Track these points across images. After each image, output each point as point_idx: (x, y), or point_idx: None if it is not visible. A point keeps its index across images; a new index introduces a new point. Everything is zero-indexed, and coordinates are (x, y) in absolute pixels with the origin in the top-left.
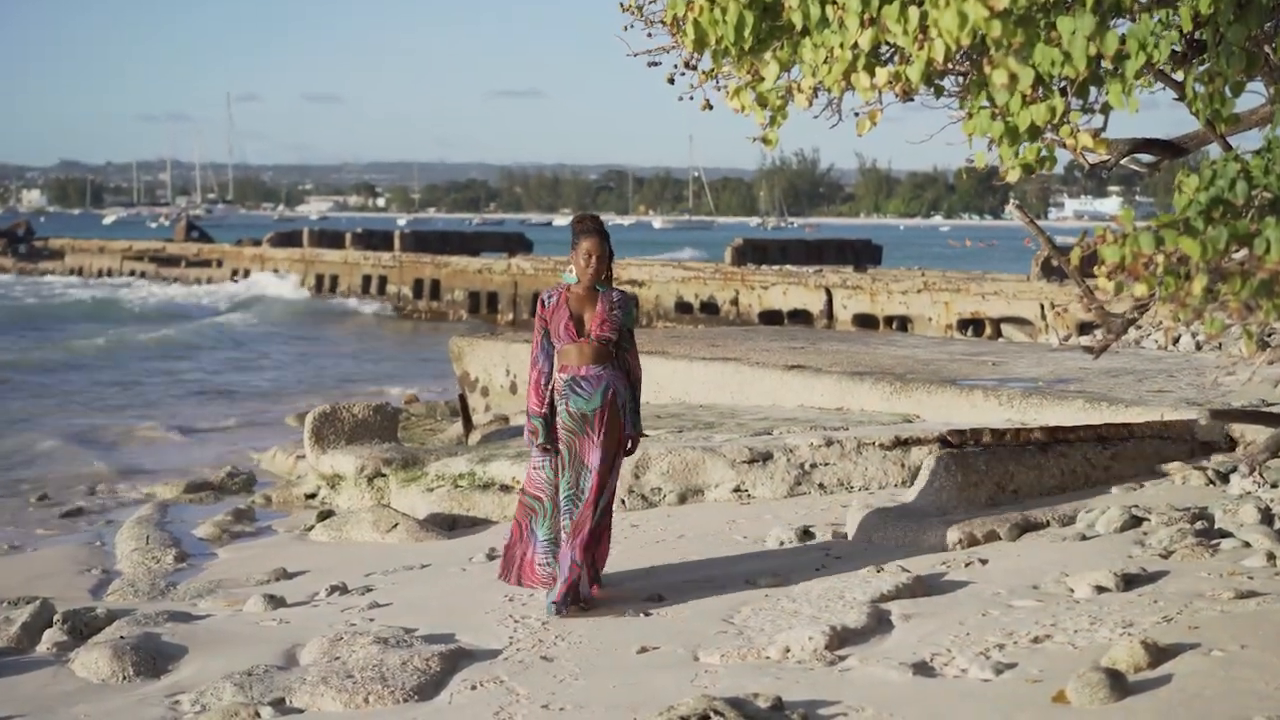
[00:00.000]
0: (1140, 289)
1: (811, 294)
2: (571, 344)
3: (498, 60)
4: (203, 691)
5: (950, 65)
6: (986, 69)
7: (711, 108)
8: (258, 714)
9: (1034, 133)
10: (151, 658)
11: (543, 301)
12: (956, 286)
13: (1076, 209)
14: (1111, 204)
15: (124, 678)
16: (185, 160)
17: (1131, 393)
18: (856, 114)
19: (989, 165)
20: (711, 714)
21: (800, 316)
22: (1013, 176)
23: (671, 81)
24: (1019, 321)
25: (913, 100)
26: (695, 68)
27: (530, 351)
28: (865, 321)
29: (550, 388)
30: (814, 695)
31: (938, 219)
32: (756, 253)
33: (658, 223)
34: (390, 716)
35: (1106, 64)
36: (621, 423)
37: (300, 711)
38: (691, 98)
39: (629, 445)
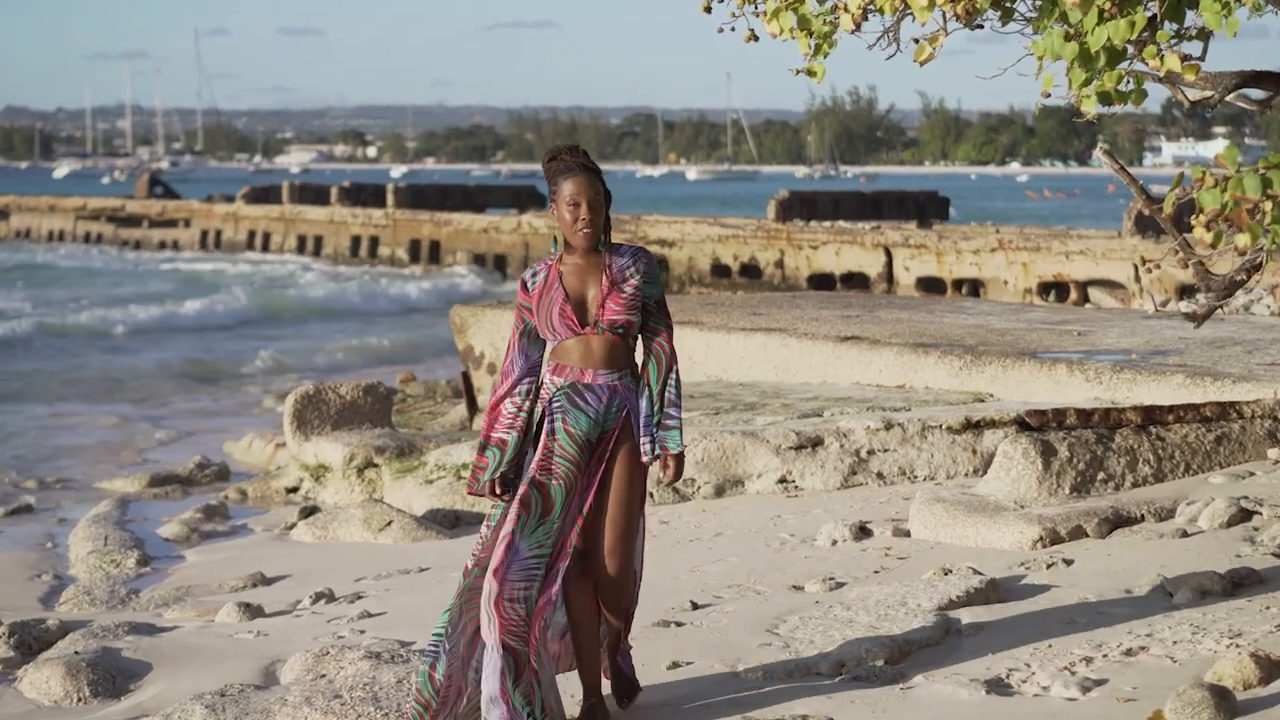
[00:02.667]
0: (1243, 239)
1: (868, 254)
2: (572, 338)
3: None
4: (169, 714)
5: None
6: None
7: (756, 39)
8: None
9: (1112, 55)
10: (110, 676)
11: (524, 283)
12: (1036, 245)
13: (1176, 154)
14: (1216, 147)
15: (79, 699)
16: (147, 105)
17: (1240, 366)
18: (916, 41)
19: (1065, 99)
20: None
21: (855, 280)
22: (1088, 108)
23: (708, 10)
24: (1109, 285)
25: (980, 26)
26: None
27: (505, 355)
28: (931, 286)
29: (525, 402)
30: (871, 717)
31: (1015, 166)
32: (804, 207)
33: (692, 173)
34: None
35: None
36: (636, 455)
37: None
38: (732, 29)
39: (671, 470)
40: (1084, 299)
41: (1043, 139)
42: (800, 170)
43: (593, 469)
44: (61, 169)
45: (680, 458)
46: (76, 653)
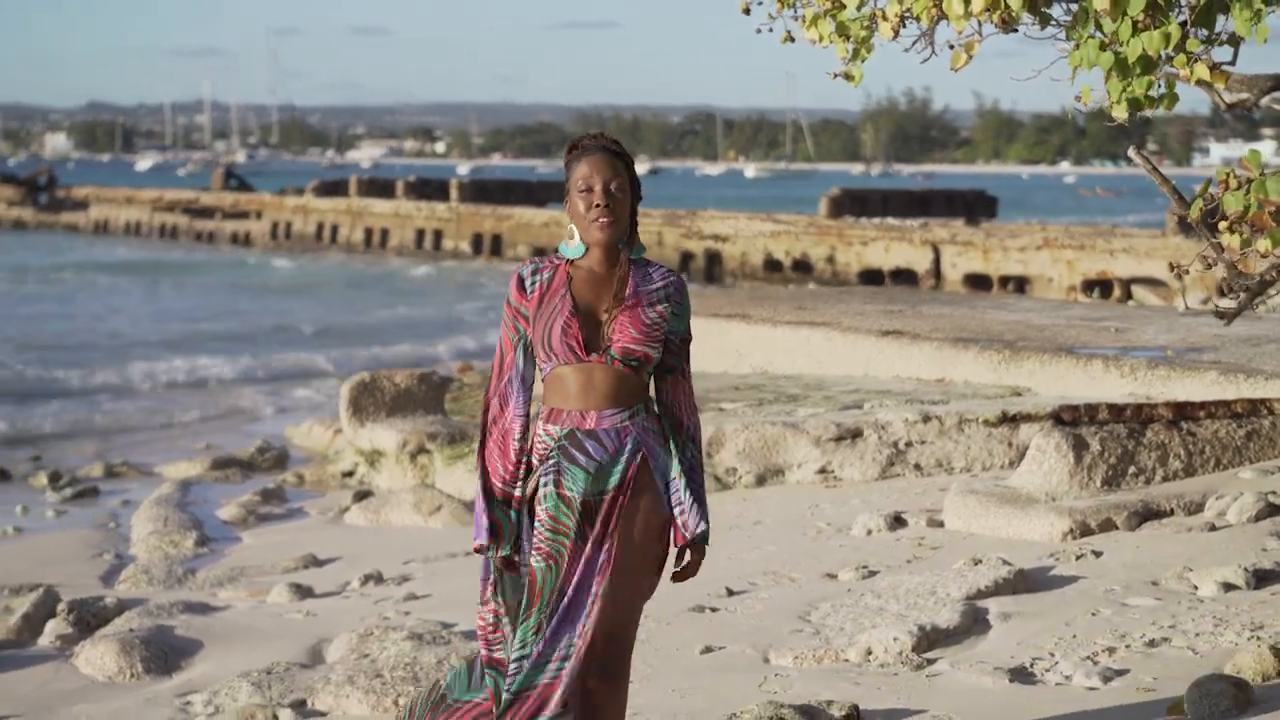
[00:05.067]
0: (1265, 244)
1: (917, 251)
2: (572, 365)
3: None
4: (216, 691)
5: None
6: None
7: (793, 40)
8: (275, 716)
9: (1146, 64)
10: (163, 653)
11: (521, 281)
12: (1080, 243)
13: (1225, 155)
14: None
15: (131, 675)
16: (223, 101)
17: (1273, 364)
18: (952, 46)
19: (1097, 104)
20: None
21: (904, 276)
22: (1119, 113)
23: (747, 11)
24: (1151, 282)
25: (1015, 31)
26: None
27: (490, 377)
28: (977, 282)
29: (525, 445)
30: (896, 703)
31: (1065, 165)
32: (855, 204)
33: (750, 171)
34: None
35: None
36: (660, 515)
37: (323, 715)
38: (770, 29)
39: (685, 560)
40: (1127, 296)
41: (1093, 139)
42: (857, 168)
43: (600, 537)
44: (144, 162)
45: (701, 546)
46: (131, 630)
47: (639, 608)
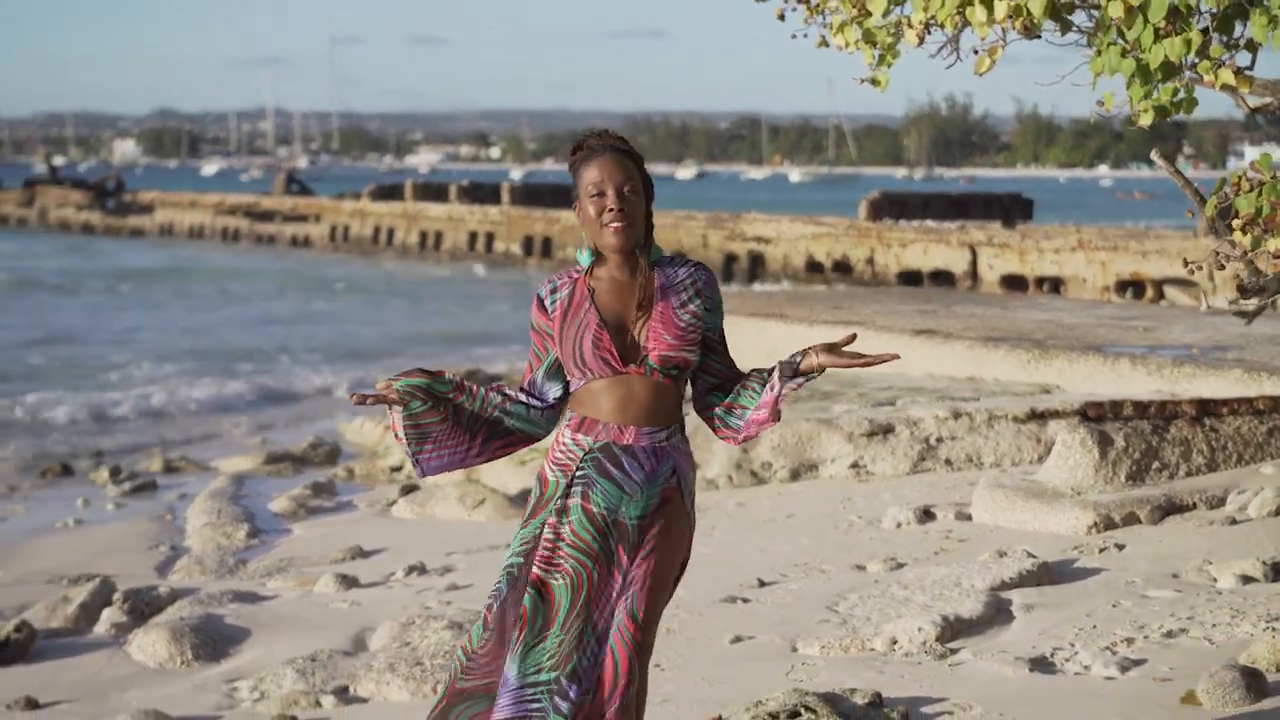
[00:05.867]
0: (1275, 243)
1: (954, 252)
2: (608, 379)
3: None
4: (262, 677)
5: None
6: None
7: (828, 45)
8: (318, 703)
9: (1168, 70)
10: (212, 640)
11: (540, 301)
12: (1114, 244)
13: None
14: None
15: (182, 661)
16: (285, 108)
17: None
18: (976, 52)
19: (1119, 109)
20: (803, 710)
21: (942, 277)
22: (1145, 120)
23: (781, 18)
24: (1183, 283)
25: (1038, 37)
26: (806, 2)
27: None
28: (1014, 283)
29: (509, 404)
30: (918, 691)
31: (1103, 169)
32: (894, 206)
33: (795, 175)
34: None
35: None
36: (688, 535)
37: (364, 701)
38: (805, 35)
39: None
40: (1159, 296)
41: (1130, 143)
42: (900, 172)
43: (627, 563)
44: (209, 167)
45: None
46: (182, 618)
47: (659, 618)
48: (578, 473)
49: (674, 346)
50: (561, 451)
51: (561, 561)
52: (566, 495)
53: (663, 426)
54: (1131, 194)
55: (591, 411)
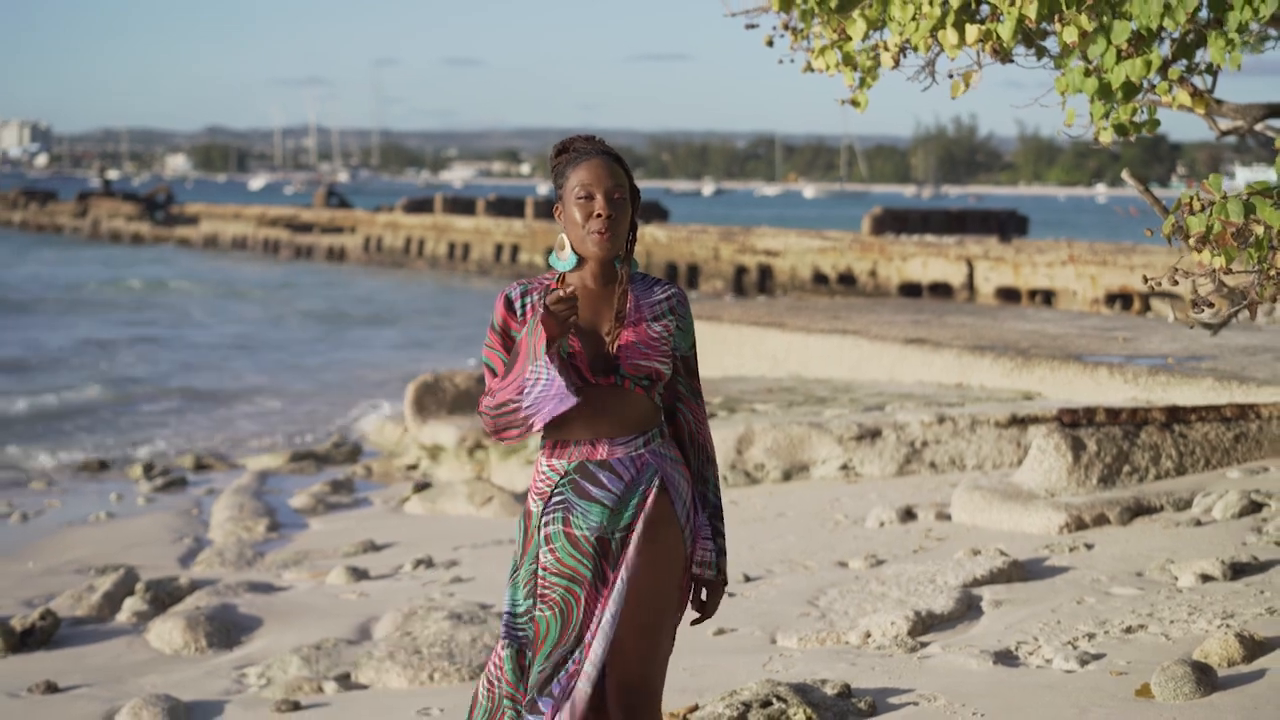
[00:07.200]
0: (1219, 260)
1: (952, 265)
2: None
3: (639, 22)
4: (269, 664)
5: (1049, 24)
6: (1057, 26)
7: (813, 70)
8: (321, 688)
9: (1129, 90)
10: (226, 629)
11: (509, 301)
12: (1103, 259)
13: (1249, 178)
14: None
15: (196, 649)
16: (327, 125)
17: (1267, 371)
18: (951, 76)
19: (1083, 129)
20: (774, 700)
21: (940, 289)
22: (1105, 139)
23: (770, 43)
24: (1169, 296)
25: (1011, 61)
26: (792, 28)
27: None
28: (1008, 295)
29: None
30: (886, 683)
31: (1100, 188)
32: (896, 222)
33: (809, 191)
34: (455, 695)
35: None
36: (682, 549)
37: (364, 687)
38: (792, 60)
39: (703, 597)
40: (1146, 309)
41: (1127, 163)
42: (909, 190)
43: (612, 578)
44: (256, 181)
45: (721, 582)
46: (198, 608)
47: (664, 651)
48: (554, 498)
49: (646, 356)
50: (540, 480)
51: (548, 591)
52: (548, 523)
53: (639, 433)
54: (1128, 210)
55: (562, 434)
